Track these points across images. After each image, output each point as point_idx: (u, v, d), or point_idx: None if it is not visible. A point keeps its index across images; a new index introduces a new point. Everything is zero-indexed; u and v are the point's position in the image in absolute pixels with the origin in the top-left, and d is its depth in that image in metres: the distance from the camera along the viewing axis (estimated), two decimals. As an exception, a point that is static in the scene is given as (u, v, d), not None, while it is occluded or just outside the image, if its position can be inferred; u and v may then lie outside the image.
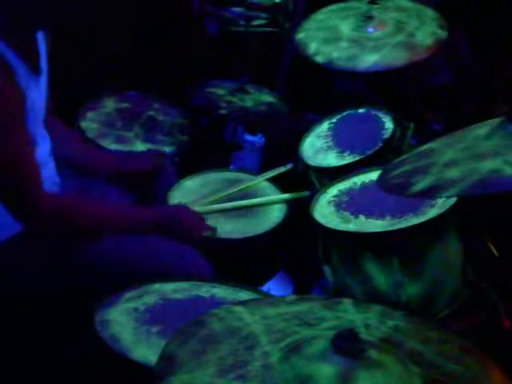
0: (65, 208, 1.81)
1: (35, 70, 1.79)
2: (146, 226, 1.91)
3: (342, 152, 2.25)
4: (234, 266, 2.10)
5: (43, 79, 1.84)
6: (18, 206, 1.75)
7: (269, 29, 3.00)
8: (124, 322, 1.50)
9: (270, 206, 2.24)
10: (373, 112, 2.36)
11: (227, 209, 2.20)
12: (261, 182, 2.37)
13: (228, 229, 2.12)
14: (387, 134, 2.21)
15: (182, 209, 2.07)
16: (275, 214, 2.20)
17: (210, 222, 2.08)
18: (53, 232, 1.85)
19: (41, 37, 1.83)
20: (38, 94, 1.80)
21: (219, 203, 2.23)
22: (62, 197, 1.92)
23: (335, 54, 2.38)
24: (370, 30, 2.42)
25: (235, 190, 2.30)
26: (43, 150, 1.90)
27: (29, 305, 1.79)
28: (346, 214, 1.92)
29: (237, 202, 2.23)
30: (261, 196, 2.29)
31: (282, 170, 2.41)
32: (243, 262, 2.14)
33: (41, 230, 1.83)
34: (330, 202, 1.99)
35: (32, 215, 1.77)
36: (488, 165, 1.17)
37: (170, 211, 2.05)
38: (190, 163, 2.39)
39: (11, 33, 1.69)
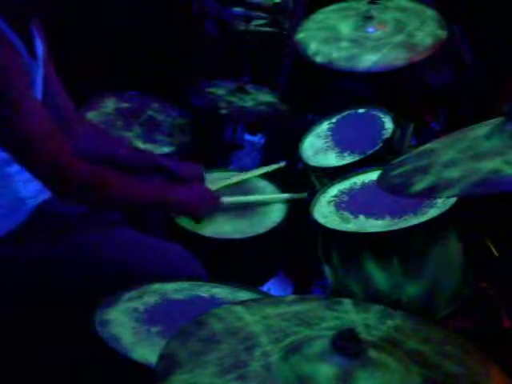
0: (95, 173, 1.82)
1: (32, 55, 1.81)
2: (170, 199, 1.99)
3: (341, 152, 2.25)
4: (234, 265, 2.10)
5: (40, 72, 1.85)
6: (47, 170, 1.75)
7: (269, 29, 3.00)
8: (124, 322, 1.50)
9: (270, 206, 2.24)
10: (373, 112, 2.36)
11: (225, 204, 2.19)
12: (260, 181, 2.37)
13: (228, 229, 2.13)
14: (387, 133, 2.21)
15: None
16: (275, 214, 2.20)
17: (210, 221, 2.08)
18: (81, 200, 1.86)
19: (35, 30, 1.84)
20: (34, 82, 1.82)
21: None
22: (90, 163, 1.90)
23: (335, 54, 2.37)
24: (370, 29, 2.42)
25: (231, 182, 2.30)
26: None
27: (28, 304, 1.79)
28: (346, 213, 1.92)
29: (235, 198, 2.23)
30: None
31: (274, 167, 2.41)
32: (243, 262, 2.14)
33: (70, 197, 1.84)
34: (330, 202, 1.99)
35: (61, 179, 1.77)
36: (488, 165, 1.16)
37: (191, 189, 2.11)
38: (190, 163, 2.38)
39: (11, 15, 1.71)
